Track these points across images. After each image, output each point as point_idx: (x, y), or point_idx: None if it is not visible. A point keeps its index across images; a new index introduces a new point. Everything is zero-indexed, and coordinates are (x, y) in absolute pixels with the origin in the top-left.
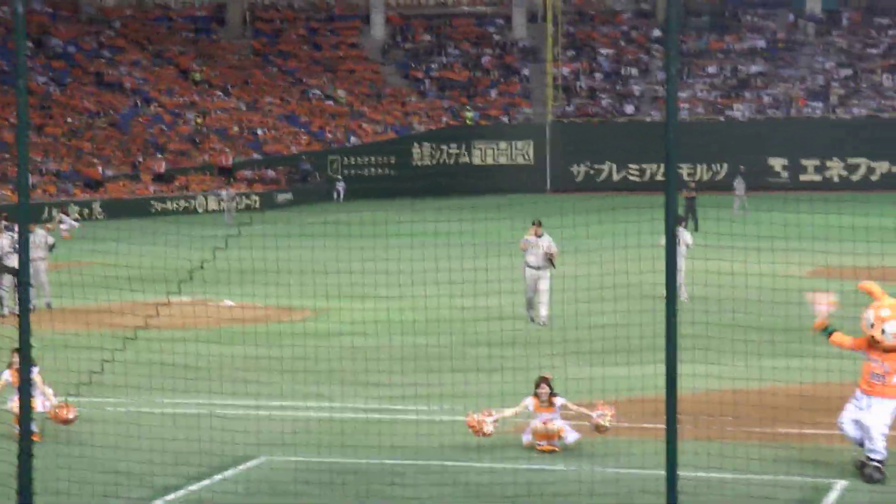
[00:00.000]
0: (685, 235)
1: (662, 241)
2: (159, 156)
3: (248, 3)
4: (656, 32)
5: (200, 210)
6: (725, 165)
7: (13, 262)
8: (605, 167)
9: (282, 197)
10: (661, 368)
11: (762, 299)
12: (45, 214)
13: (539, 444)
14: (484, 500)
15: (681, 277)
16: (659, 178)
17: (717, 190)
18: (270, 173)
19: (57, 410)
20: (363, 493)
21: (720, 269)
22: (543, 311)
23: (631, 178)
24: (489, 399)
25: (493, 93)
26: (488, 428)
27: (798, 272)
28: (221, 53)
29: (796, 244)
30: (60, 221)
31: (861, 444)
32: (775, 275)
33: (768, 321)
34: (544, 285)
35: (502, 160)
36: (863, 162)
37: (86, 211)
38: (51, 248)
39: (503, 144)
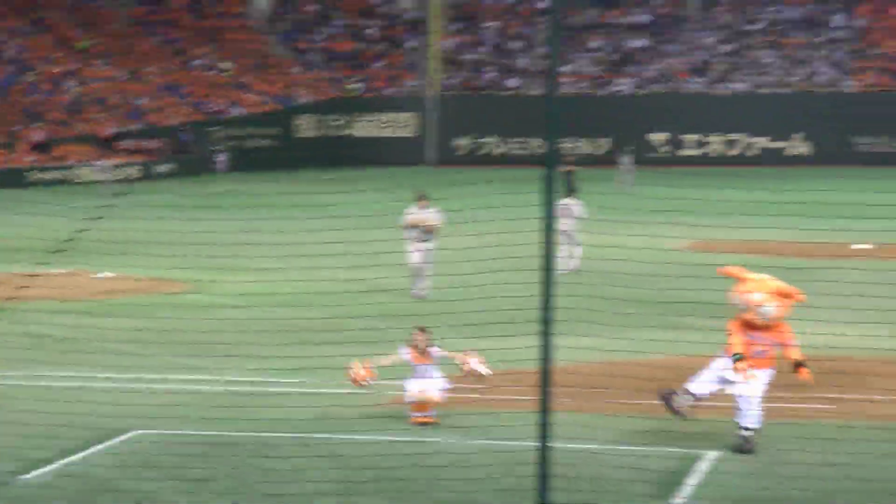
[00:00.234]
0: (577, 208)
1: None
2: (37, 125)
3: None
4: (542, 6)
5: (78, 181)
6: (608, 140)
7: None
8: (489, 141)
9: (162, 168)
10: (541, 340)
11: (642, 273)
12: None
13: (414, 416)
14: (361, 473)
15: (578, 250)
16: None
17: (599, 164)
18: (151, 144)
19: None
20: (239, 465)
21: (601, 243)
22: (424, 283)
23: (514, 151)
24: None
25: (379, 65)
26: (361, 372)
27: (678, 246)
28: (103, 21)
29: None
30: None
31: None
32: (655, 248)
33: (647, 294)
34: (427, 258)
35: (386, 132)
36: (742, 137)
37: None
38: None
39: (387, 117)
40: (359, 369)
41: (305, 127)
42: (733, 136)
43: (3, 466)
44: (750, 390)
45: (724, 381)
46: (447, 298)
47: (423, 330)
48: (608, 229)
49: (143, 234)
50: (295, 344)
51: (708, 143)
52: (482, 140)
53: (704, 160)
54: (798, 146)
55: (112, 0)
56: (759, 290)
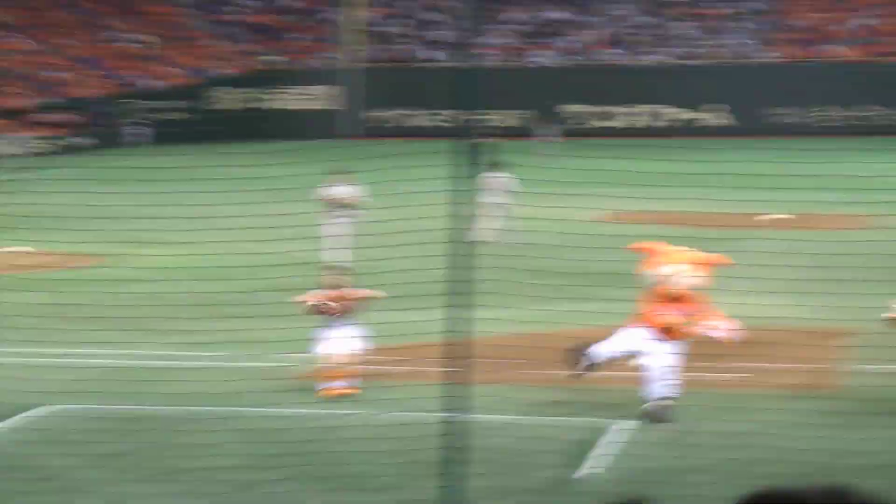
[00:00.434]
0: (509, 181)
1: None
2: None
3: None
4: None
5: None
6: (529, 111)
7: None
8: (411, 113)
9: (78, 141)
10: (454, 313)
11: (559, 244)
12: None
13: (328, 387)
14: (276, 446)
15: (499, 222)
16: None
17: (522, 136)
18: (67, 117)
19: None
20: (149, 440)
21: (521, 215)
22: (344, 255)
23: (440, 124)
24: (282, 345)
25: (297, 37)
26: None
27: (596, 217)
28: None
29: (595, 189)
30: None
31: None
32: (573, 220)
33: (563, 265)
34: (347, 231)
35: (305, 105)
36: (662, 108)
37: None
38: None
39: (311, 89)
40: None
41: (223, 100)
42: (653, 108)
43: None
44: (661, 360)
45: (632, 351)
46: (366, 272)
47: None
48: (529, 201)
49: (55, 209)
50: (208, 318)
51: (627, 114)
52: (403, 112)
53: (624, 132)
54: (716, 117)
55: None
56: (672, 262)
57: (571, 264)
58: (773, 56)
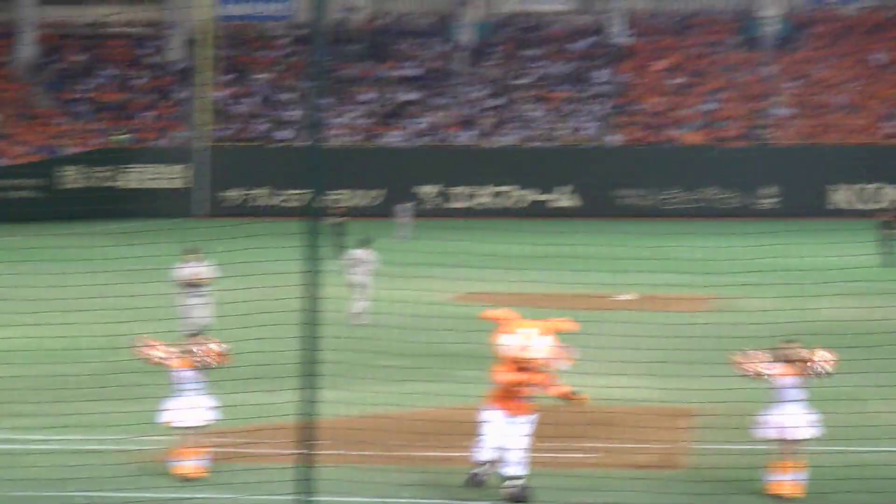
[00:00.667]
0: (370, 259)
1: (366, 263)
2: None
3: None
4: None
5: None
6: (382, 191)
7: None
8: (261, 192)
9: None
10: (305, 394)
11: (412, 325)
12: None
13: (180, 466)
14: None
15: (365, 299)
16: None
17: (371, 216)
18: None
19: None
20: None
21: (376, 296)
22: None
23: (286, 203)
24: (131, 427)
25: (148, 115)
26: (155, 353)
27: (448, 298)
28: None
29: (448, 270)
30: None
31: (489, 464)
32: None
33: (416, 346)
34: (201, 311)
35: (156, 184)
36: (512, 190)
37: None
38: None
39: (158, 168)
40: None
41: (71, 178)
42: (502, 189)
43: None
44: (520, 439)
45: (499, 434)
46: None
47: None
48: (384, 282)
49: None
50: (54, 401)
51: (477, 195)
52: (253, 192)
53: (474, 212)
54: (565, 199)
55: None
56: (522, 330)
57: (423, 346)
58: (619, 139)
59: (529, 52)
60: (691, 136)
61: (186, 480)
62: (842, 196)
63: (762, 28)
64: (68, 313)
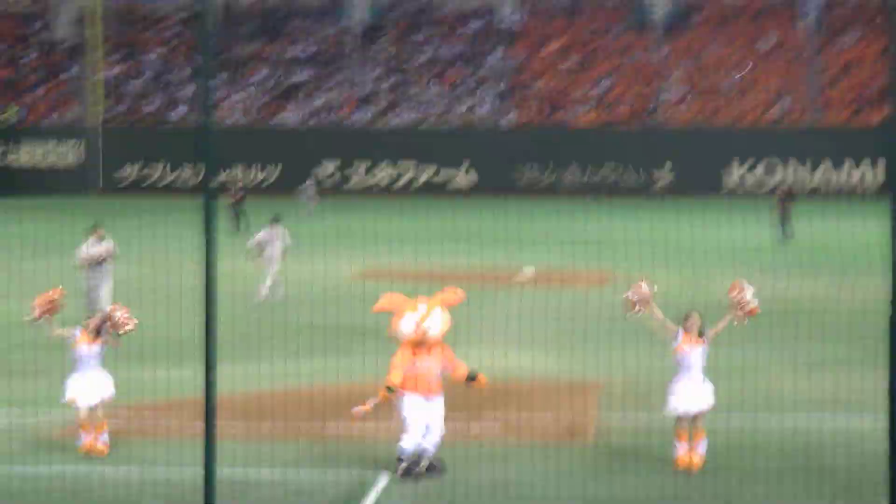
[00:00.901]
0: (284, 235)
1: (280, 239)
2: None
3: None
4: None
5: None
6: (276, 169)
7: None
8: (155, 170)
9: None
10: (203, 369)
11: (314, 302)
12: None
13: (85, 441)
14: None
15: (272, 278)
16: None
17: (267, 193)
18: None
19: None
20: None
21: (284, 272)
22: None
23: (181, 181)
24: (33, 404)
25: (39, 93)
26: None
27: (349, 273)
28: None
29: (347, 247)
30: None
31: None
32: (327, 276)
33: (316, 323)
34: (105, 289)
35: (48, 162)
36: (410, 168)
37: None
38: None
39: (50, 145)
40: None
41: None
42: (400, 168)
43: None
44: (439, 418)
45: (423, 419)
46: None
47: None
48: (288, 260)
49: None
50: None
51: (374, 173)
52: (147, 170)
53: (372, 191)
54: (463, 178)
55: None
56: (416, 311)
57: (325, 322)
58: (513, 119)
59: (421, 33)
60: (585, 117)
61: (89, 456)
62: (736, 176)
63: (652, 10)
64: None
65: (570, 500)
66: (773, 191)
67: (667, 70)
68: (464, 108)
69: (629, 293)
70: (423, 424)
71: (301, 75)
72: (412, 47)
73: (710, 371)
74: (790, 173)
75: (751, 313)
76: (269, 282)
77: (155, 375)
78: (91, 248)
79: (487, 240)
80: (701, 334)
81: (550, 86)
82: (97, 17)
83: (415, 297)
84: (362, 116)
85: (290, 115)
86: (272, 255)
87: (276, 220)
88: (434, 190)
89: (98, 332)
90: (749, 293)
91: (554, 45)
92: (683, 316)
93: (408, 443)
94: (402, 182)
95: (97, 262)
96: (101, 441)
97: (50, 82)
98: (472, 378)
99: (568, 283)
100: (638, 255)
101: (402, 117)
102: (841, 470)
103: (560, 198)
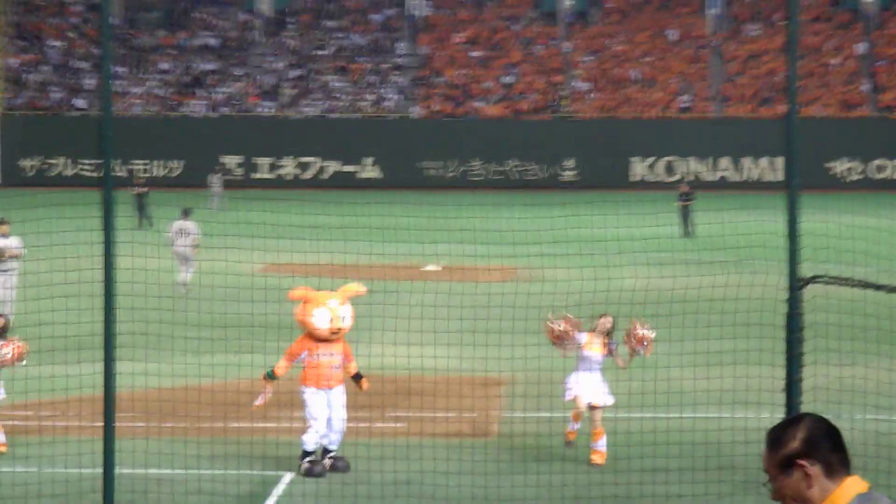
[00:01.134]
0: (194, 229)
1: (191, 233)
2: None
3: None
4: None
5: None
6: (180, 162)
7: None
8: (57, 162)
9: None
10: (109, 366)
11: (219, 297)
12: None
13: None
14: None
15: (191, 269)
16: (119, 174)
17: (171, 186)
18: None
19: None
20: None
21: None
22: (6, 309)
23: (84, 173)
24: None
25: None
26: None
27: (253, 269)
28: None
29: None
30: None
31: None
32: (231, 272)
33: (220, 318)
34: (8, 285)
35: None
36: (315, 161)
37: None
38: None
39: None
40: None
41: None
42: (305, 160)
43: None
44: (341, 410)
45: (324, 413)
46: (25, 325)
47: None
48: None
49: None
50: None
51: (281, 166)
52: (49, 161)
53: (278, 183)
54: (369, 170)
55: None
56: (324, 304)
57: (230, 317)
58: (421, 110)
59: (329, 23)
60: (491, 109)
61: None
62: (641, 168)
63: (559, 2)
64: None
65: (473, 497)
66: (676, 184)
67: (573, 62)
68: (371, 100)
69: (554, 324)
70: (325, 420)
71: (207, 65)
72: (319, 37)
73: (613, 367)
74: (691, 168)
75: (649, 344)
76: (182, 276)
77: (54, 372)
78: None
79: (394, 233)
80: (608, 335)
81: (457, 77)
82: (0, 3)
83: (323, 291)
84: (269, 107)
85: (196, 106)
86: (184, 250)
87: (187, 212)
88: (340, 182)
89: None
90: (647, 331)
91: (460, 36)
92: (598, 315)
93: (310, 438)
94: (308, 174)
95: (1, 258)
96: None
97: None
98: (357, 377)
99: (473, 277)
100: (543, 248)
101: (310, 108)
102: (741, 466)
103: (466, 190)
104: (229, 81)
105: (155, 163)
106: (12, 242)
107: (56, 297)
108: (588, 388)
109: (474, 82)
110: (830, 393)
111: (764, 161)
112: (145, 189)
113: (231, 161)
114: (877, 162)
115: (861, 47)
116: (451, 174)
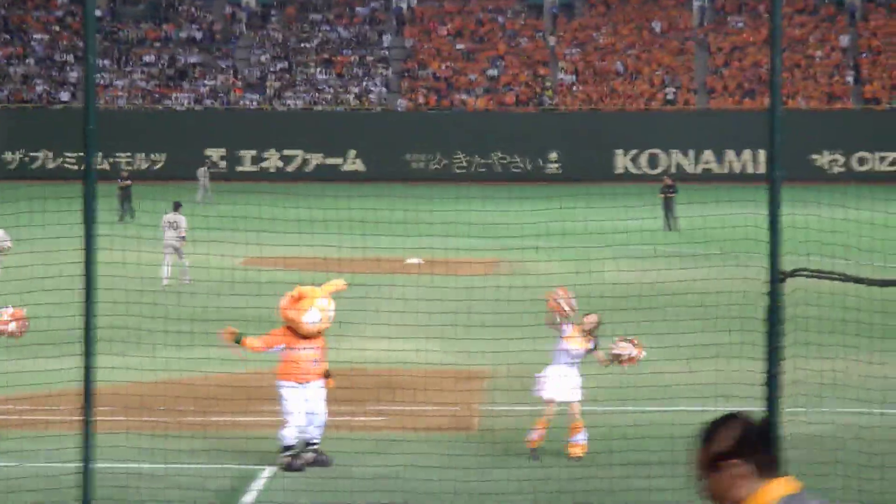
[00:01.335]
0: (183, 222)
1: (181, 226)
2: None
3: None
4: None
5: None
6: (163, 155)
7: None
8: (40, 155)
9: None
10: (90, 360)
11: (203, 290)
12: None
13: None
14: None
15: (183, 262)
16: (102, 166)
17: (155, 179)
18: None
19: None
20: None
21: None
22: None
23: (67, 166)
24: None
25: None
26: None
27: (235, 261)
28: None
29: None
30: None
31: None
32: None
33: (203, 311)
34: None
35: None
36: (298, 153)
37: None
38: None
39: None
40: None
41: None
42: (289, 153)
43: None
44: (321, 404)
45: (303, 405)
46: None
47: None
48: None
49: None
50: None
51: (265, 158)
52: (32, 154)
53: (261, 176)
54: (352, 163)
55: None
56: (314, 303)
57: (212, 310)
58: (405, 103)
59: (314, 16)
60: (476, 101)
61: None
62: (624, 161)
63: None
64: None
65: (454, 492)
66: (657, 178)
67: (558, 54)
68: (355, 92)
69: (563, 301)
70: (303, 413)
71: (191, 58)
72: (303, 30)
73: (593, 361)
74: (674, 160)
75: (631, 361)
76: (173, 268)
77: (35, 366)
78: None
79: (377, 226)
80: (592, 334)
81: (442, 70)
82: None
83: (309, 287)
84: (253, 100)
85: (180, 99)
86: (174, 243)
87: (177, 205)
88: (324, 175)
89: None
90: (626, 350)
91: (445, 29)
92: (584, 313)
93: (289, 433)
94: (292, 167)
95: None
96: None
97: None
98: (325, 375)
99: (456, 269)
100: (527, 241)
101: (294, 101)
102: None
103: (450, 183)
104: (214, 74)
105: (138, 156)
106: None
107: (36, 291)
108: (560, 384)
109: (459, 75)
110: (811, 387)
111: (747, 153)
112: (129, 182)
113: (215, 154)
114: (859, 154)
115: (845, 39)
116: (435, 167)
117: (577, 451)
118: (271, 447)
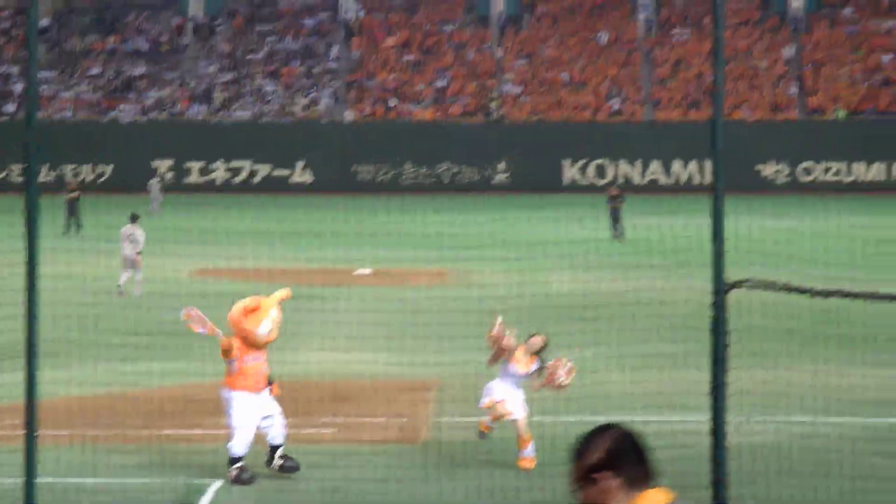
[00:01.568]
0: (140, 234)
1: (138, 238)
2: None
3: None
4: (41, 27)
5: None
6: (109, 167)
7: None
8: None
9: None
10: (24, 374)
11: (150, 303)
12: None
13: None
14: None
15: (138, 275)
16: (47, 178)
17: (101, 191)
18: None
19: None
20: None
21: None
22: None
23: (12, 179)
24: None
25: None
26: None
27: (185, 274)
28: None
29: (185, 246)
30: None
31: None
32: (161, 278)
33: (151, 324)
34: None
35: None
36: (246, 165)
37: None
38: None
39: None
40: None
41: None
42: (237, 164)
43: None
44: (248, 417)
45: (254, 415)
46: None
47: None
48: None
49: None
50: None
51: (212, 170)
52: None
53: (209, 188)
54: (300, 174)
55: None
56: (267, 314)
57: (161, 323)
58: (352, 114)
59: (260, 27)
60: (423, 112)
61: None
62: (572, 171)
63: (491, 6)
64: None
65: (403, 502)
66: (607, 187)
67: (505, 65)
68: (303, 104)
69: (505, 337)
70: (253, 424)
71: (137, 69)
72: (250, 41)
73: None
74: (621, 171)
75: (561, 389)
76: (129, 277)
77: None
78: None
79: (325, 237)
80: (536, 355)
81: (389, 81)
82: None
83: (257, 297)
84: (200, 111)
85: (126, 111)
86: (130, 255)
87: (134, 218)
88: (272, 186)
89: None
90: (561, 375)
91: (392, 40)
92: (530, 335)
93: (238, 445)
94: (239, 178)
95: None
96: None
97: None
98: (269, 382)
99: (404, 280)
100: (475, 251)
101: (241, 112)
102: (667, 470)
103: (398, 194)
104: (160, 85)
105: (85, 167)
106: None
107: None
108: (506, 397)
109: (406, 86)
110: (756, 396)
111: (693, 164)
112: (76, 194)
113: (162, 165)
114: (804, 165)
115: (788, 51)
116: (382, 178)
117: (526, 464)
118: (218, 460)
